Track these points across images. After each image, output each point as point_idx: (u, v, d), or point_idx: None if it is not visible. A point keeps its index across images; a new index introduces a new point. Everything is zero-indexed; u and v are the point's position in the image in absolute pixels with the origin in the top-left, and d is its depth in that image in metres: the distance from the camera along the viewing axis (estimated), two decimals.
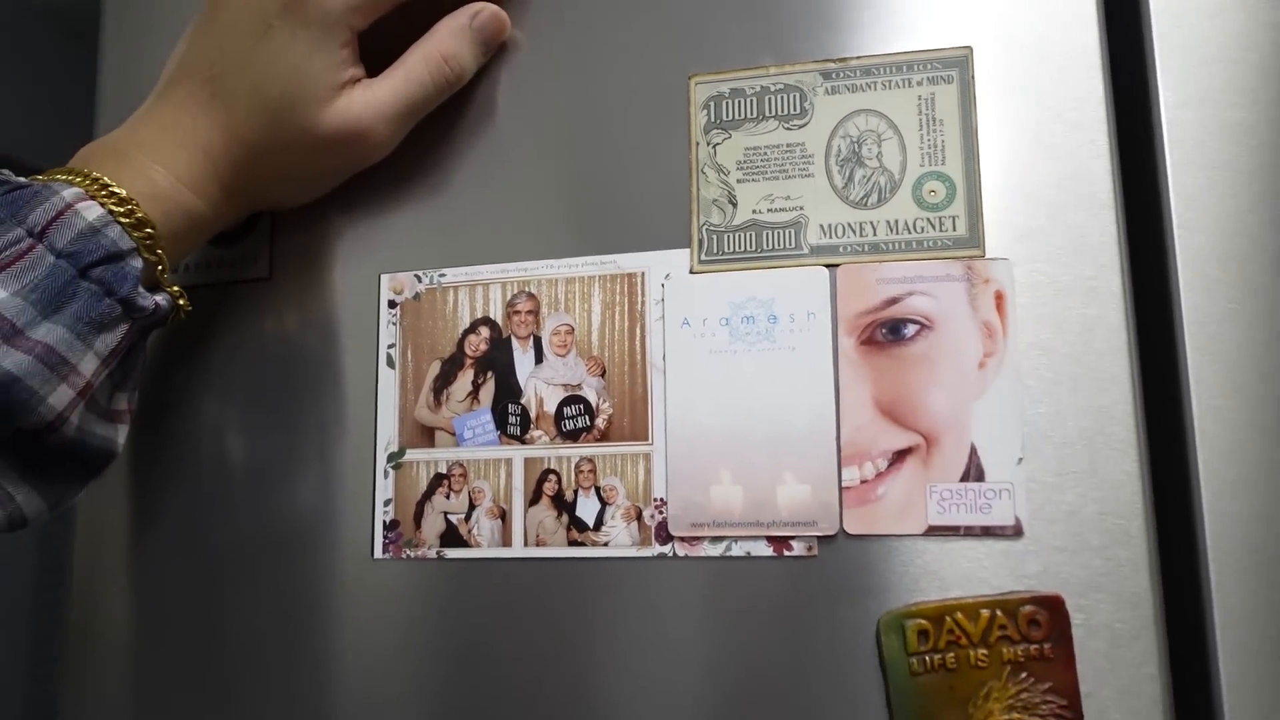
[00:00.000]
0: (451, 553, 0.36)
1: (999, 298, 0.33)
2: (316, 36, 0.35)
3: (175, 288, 0.36)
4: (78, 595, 0.41)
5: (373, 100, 0.36)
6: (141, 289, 0.34)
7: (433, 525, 0.37)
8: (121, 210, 0.33)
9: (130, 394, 0.36)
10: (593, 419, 0.36)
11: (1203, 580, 0.31)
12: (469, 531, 0.36)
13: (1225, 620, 0.31)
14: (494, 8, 0.38)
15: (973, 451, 0.33)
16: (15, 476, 0.32)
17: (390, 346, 0.38)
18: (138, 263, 0.34)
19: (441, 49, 0.37)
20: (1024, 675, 0.31)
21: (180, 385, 0.41)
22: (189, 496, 0.40)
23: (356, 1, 0.35)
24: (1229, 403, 0.31)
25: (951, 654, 0.31)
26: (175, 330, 0.41)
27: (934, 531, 0.32)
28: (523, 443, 0.36)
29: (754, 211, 0.36)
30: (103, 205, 0.33)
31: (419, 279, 0.39)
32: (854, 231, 0.35)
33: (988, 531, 0.32)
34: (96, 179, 0.34)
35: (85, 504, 0.41)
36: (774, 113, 0.36)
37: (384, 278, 0.39)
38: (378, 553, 0.37)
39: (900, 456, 0.33)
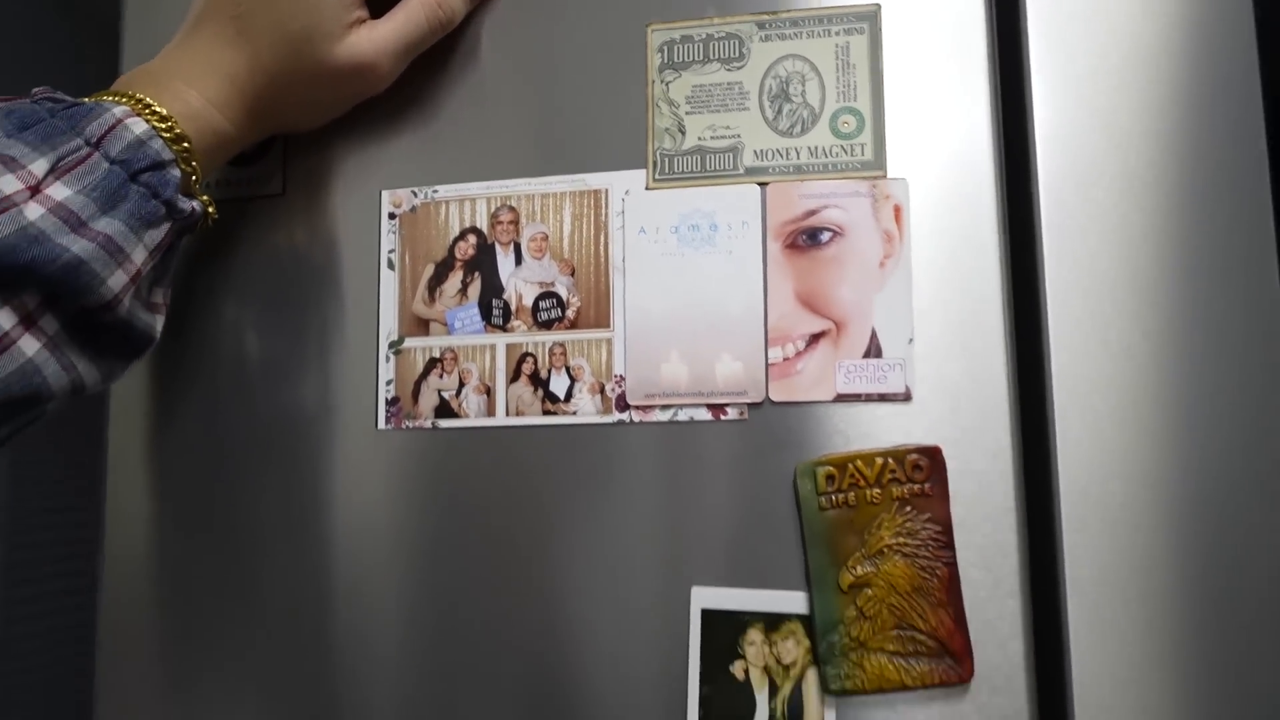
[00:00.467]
0: (444, 423, 0.43)
1: (897, 210, 0.41)
2: None
3: (205, 197, 0.42)
4: (112, 475, 0.47)
5: (377, 38, 0.42)
6: (180, 195, 0.40)
7: (428, 400, 0.43)
8: (163, 127, 0.39)
9: (165, 290, 0.42)
10: (563, 311, 0.43)
11: (1050, 434, 0.39)
12: (459, 405, 0.43)
13: (1067, 464, 0.39)
14: None
15: (873, 334, 0.40)
16: (77, 350, 0.38)
17: (390, 252, 0.45)
18: (176, 172, 0.39)
19: None
20: (909, 509, 0.39)
21: (203, 290, 0.47)
22: (212, 385, 0.46)
23: None
24: (1074, 296, 0.39)
25: (852, 493, 0.39)
26: (199, 241, 0.47)
27: (841, 398, 0.40)
28: (504, 331, 0.43)
29: (699, 139, 0.43)
30: (147, 121, 0.38)
31: (415, 194, 0.45)
32: (781, 156, 0.42)
33: (884, 398, 0.40)
34: (140, 99, 0.39)
35: (117, 392, 0.47)
36: (717, 56, 0.43)
37: (385, 193, 0.45)
38: (381, 424, 0.44)
39: (815, 339, 0.40)
